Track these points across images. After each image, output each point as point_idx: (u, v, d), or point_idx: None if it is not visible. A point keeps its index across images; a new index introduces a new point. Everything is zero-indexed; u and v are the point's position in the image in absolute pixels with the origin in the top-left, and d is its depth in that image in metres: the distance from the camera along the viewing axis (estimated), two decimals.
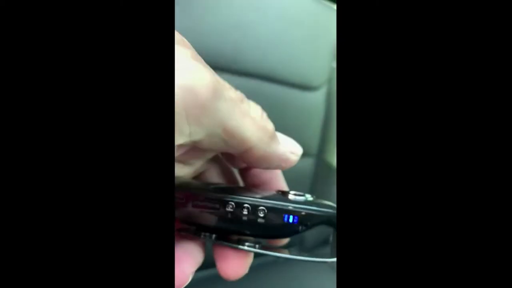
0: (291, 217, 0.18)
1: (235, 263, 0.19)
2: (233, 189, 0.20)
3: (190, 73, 0.14)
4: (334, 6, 0.64)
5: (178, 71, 0.14)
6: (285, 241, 0.22)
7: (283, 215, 0.18)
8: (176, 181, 0.20)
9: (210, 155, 0.21)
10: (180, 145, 0.16)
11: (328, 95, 0.69)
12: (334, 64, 0.68)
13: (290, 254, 0.20)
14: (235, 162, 0.23)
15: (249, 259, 0.20)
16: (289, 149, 0.19)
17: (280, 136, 0.19)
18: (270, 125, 0.18)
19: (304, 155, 0.77)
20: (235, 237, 0.19)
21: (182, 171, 0.21)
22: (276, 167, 0.20)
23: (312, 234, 0.72)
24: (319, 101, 0.68)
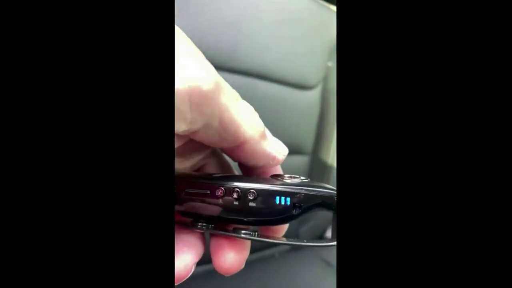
0: (282, 198, 0.17)
1: (231, 258, 0.19)
2: (226, 176, 0.20)
3: (196, 66, 0.15)
4: (330, 6, 0.64)
5: (185, 63, 0.15)
6: (282, 232, 0.22)
7: (275, 196, 0.17)
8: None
9: (206, 150, 0.22)
10: (179, 136, 0.17)
11: (323, 94, 0.70)
12: (330, 63, 0.68)
13: (288, 241, 0.19)
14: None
15: (245, 253, 0.20)
16: (277, 148, 0.20)
17: (269, 135, 0.20)
18: (261, 124, 0.19)
19: (299, 153, 0.77)
20: (232, 227, 0.19)
21: (181, 165, 0.21)
22: (264, 165, 0.20)
23: (308, 230, 0.73)
24: (314, 100, 0.68)
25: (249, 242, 0.20)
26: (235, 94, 0.17)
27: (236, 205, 0.17)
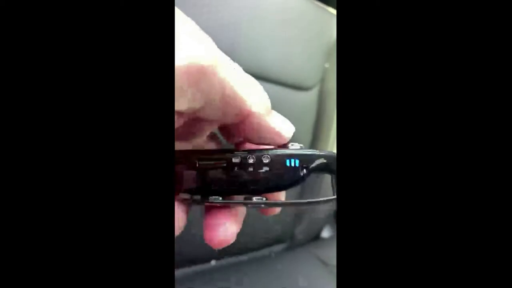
0: (292, 160, 0.19)
1: (222, 231, 0.19)
2: (235, 149, 0.21)
3: (195, 43, 0.15)
4: (328, 8, 0.65)
5: (183, 40, 0.15)
6: (283, 196, 0.23)
7: (286, 159, 0.19)
8: (180, 152, 0.21)
9: (208, 130, 0.22)
10: (180, 113, 0.16)
11: (321, 95, 0.70)
12: (327, 65, 0.68)
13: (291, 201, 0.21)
14: (232, 137, 0.24)
15: (238, 226, 0.20)
16: (283, 125, 0.19)
17: (275, 112, 0.19)
18: (267, 99, 0.18)
19: None
20: (241, 197, 0.20)
21: (181, 147, 0.21)
22: (269, 142, 0.20)
23: (303, 230, 0.73)
24: (311, 101, 0.68)
25: (242, 216, 0.21)
26: (237, 69, 0.17)
27: (250, 171, 0.19)
